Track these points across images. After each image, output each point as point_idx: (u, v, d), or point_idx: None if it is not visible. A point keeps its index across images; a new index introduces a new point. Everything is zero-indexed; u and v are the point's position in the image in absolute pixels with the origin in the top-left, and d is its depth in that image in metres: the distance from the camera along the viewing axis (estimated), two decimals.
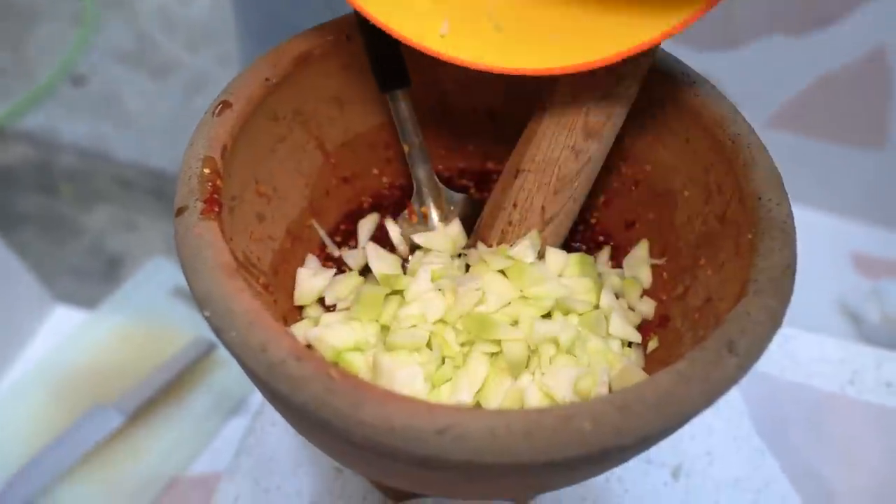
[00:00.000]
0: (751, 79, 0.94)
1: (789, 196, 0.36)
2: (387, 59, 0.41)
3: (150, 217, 1.35)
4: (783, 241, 0.33)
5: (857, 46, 0.91)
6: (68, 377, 0.83)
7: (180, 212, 0.32)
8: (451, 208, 0.45)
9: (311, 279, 0.42)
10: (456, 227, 0.44)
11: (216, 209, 0.32)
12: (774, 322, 0.30)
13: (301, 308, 0.42)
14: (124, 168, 1.41)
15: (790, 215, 0.34)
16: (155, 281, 0.93)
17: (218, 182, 0.34)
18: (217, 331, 0.29)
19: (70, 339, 0.86)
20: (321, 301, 0.43)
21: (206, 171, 0.34)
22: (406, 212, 0.45)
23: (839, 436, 0.55)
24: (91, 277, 1.26)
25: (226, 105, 0.36)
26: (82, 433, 0.76)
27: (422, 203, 0.44)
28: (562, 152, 0.39)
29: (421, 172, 0.44)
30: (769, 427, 0.54)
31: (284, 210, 0.42)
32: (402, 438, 0.26)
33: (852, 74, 0.93)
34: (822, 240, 1.05)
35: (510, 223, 0.41)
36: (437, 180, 0.45)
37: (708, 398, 0.28)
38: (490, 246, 0.42)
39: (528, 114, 0.42)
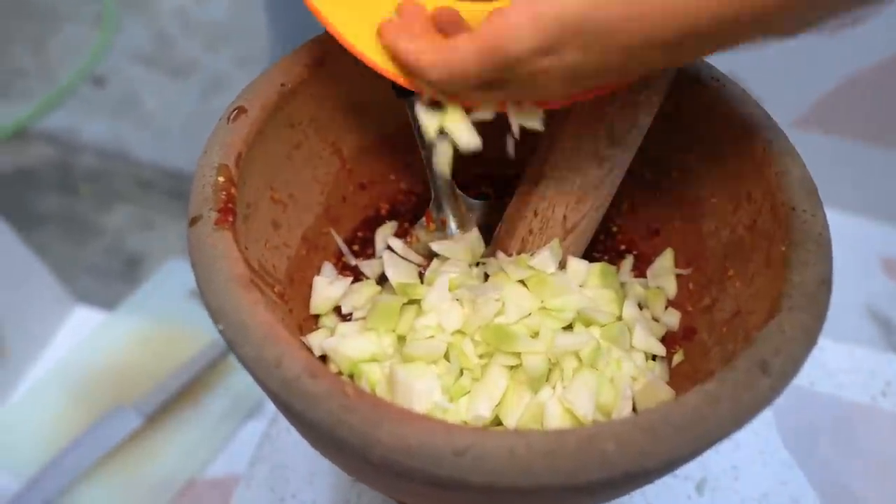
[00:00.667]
0: (779, 78, 0.92)
1: None
2: None
3: (169, 217, 1.35)
4: (818, 254, 0.31)
5: (889, 44, 0.89)
6: (87, 378, 0.83)
7: (194, 221, 0.32)
8: (470, 216, 0.44)
9: (327, 288, 0.41)
10: (474, 235, 0.43)
11: (230, 219, 0.32)
12: (810, 340, 0.29)
13: (317, 317, 0.42)
14: (143, 168, 1.42)
15: (826, 227, 0.32)
16: (173, 283, 0.93)
17: (232, 190, 0.33)
18: (231, 344, 0.28)
19: (89, 341, 0.86)
20: (337, 310, 0.42)
21: (221, 179, 0.33)
22: (424, 219, 0.44)
23: (870, 449, 0.53)
24: (110, 277, 1.26)
25: (241, 111, 0.36)
26: (101, 434, 0.76)
27: (439, 210, 0.43)
28: (585, 159, 0.38)
29: (438, 180, 0.43)
30: (798, 440, 0.52)
31: (300, 217, 0.42)
32: (420, 459, 0.25)
33: (884, 73, 0.91)
34: (850, 244, 1.02)
35: (531, 232, 0.40)
36: (456, 187, 0.44)
37: (738, 421, 0.27)
38: (510, 255, 0.41)
39: (549, 118, 0.40)
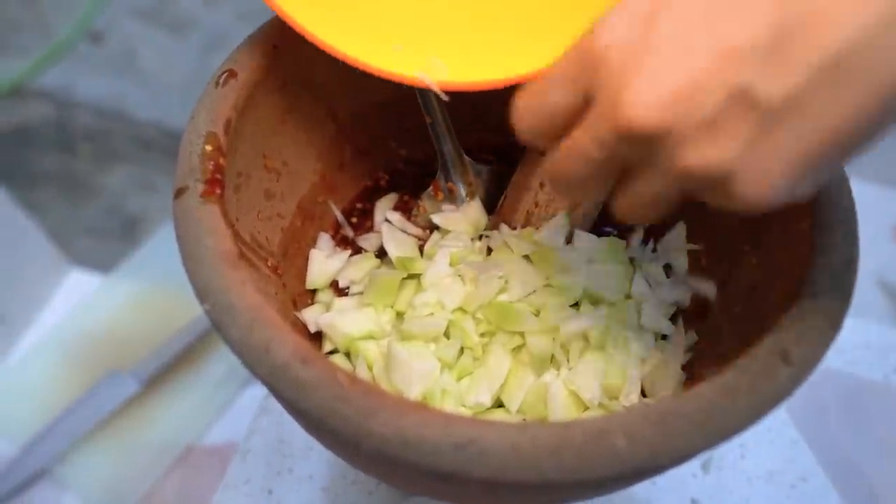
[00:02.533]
0: None
1: None
2: None
3: (168, 178, 1.32)
4: (845, 232, 0.29)
5: None
6: (84, 343, 0.82)
7: (179, 193, 0.30)
8: (479, 182, 0.42)
9: (324, 262, 0.39)
10: (476, 207, 0.41)
11: (218, 190, 0.30)
12: (834, 327, 0.27)
13: (313, 291, 0.40)
14: (142, 127, 1.39)
15: (852, 201, 0.30)
16: (172, 245, 0.90)
17: (221, 160, 0.31)
18: (217, 326, 0.27)
19: (86, 304, 0.85)
20: (334, 284, 0.40)
21: (208, 148, 0.31)
22: (431, 189, 0.42)
23: (881, 427, 0.52)
24: (108, 238, 1.24)
25: (231, 74, 0.34)
26: (98, 400, 0.75)
27: (447, 178, 0.41)
28: None
29: (445, 146, 0.41)
30: (806, 417, 0.51)
31: (295, 186, 0.40)
32: (417, 452, 0.24)
33: None
34: (860, 211, 1.00)
35: (536, 205, 0.38)
36: (463, 153, 0.42)
37: (756, 413, 0.25)
38: (514, 228, 0.39)
39: None
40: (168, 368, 0.79)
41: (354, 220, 0.43)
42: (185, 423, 0.75)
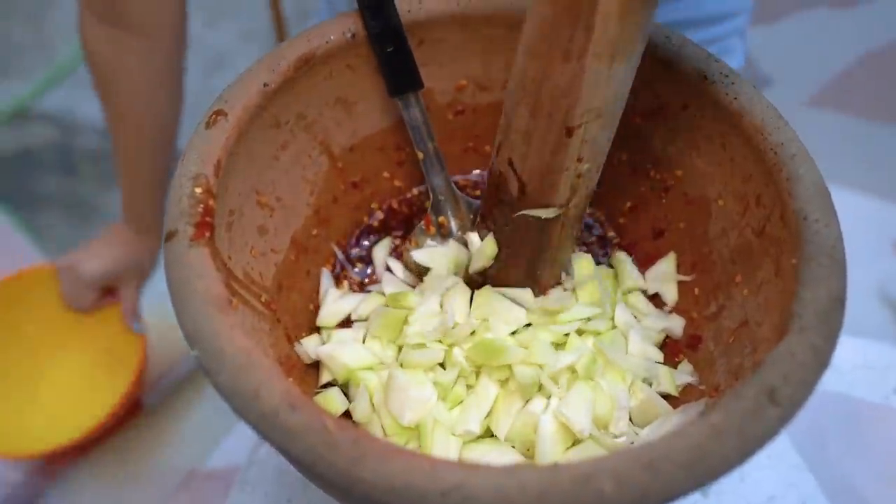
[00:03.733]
0: (794, 57, 0.89)
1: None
2: (397, 61, 0.38)
3: None
4: (832, 268, 0.29)
5: None
6: None
7: (170, 237, 0.30)
8: (471, 216, 0.42)
9: (338, 301, 0.40)
10: (455, 247, 0.41)
11: (207, 233, 0.30)
12: (821, 364, 0.27)
13: (313, 326, 0.40)
14: None
15: (840, 239, 0.30)
16: None
17: (210, 202, 0.31)
18: (206, 372, 0.27)
19: None
20: None
21: (198, 190, 0.31)
22: (423, 224, 0.42)
23: (882, 450, 0.51)
24: None
25: (219, 114, 0.34)
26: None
27: (439, 213, 0.42)
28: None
29: (436, 180, 0.41)
30: (807, 441, 0.51)
31: (289, 220, 0.40)
32: (404, 499, 0.24)
33: None
34: (861, 224, 1.00)
35: (580, 176, 0.35)
36: (455, 188, 0.42)
37: (744, 456, 0.25)
38: (559, 207, 0.36)
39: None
40: (171, 393, 0.79)
41: (359, 264, 0.43)
42: (188, 448, 0.76)
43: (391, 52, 0.38)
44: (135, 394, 0.69)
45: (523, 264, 0.39)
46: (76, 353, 0.75)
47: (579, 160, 0.34)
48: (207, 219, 0.30)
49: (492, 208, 0.38)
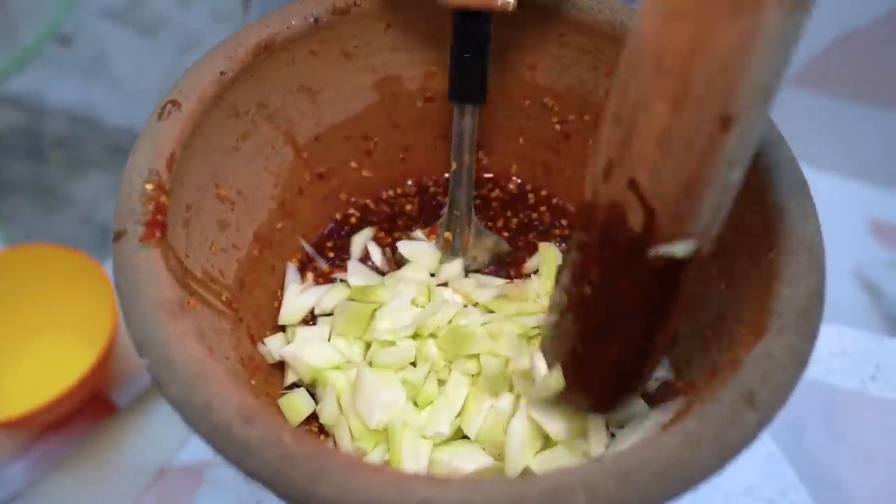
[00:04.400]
0: None
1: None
2: (470, 69, 0.36)
3: None
4: (810, 264, 0.28)
5: (883, 2, 0.85)
6: None
7: (118, 237, 0.28)
8: (479, 243, 0.41)
9: (298, 297, 0.38)
10: (435, 256, 0.40)
11: (158, 233, 0.28)
12: (800, 364, 0.26)
13: (276, 323, 0.39)
14: (115, 133, 1.37)
15: (818, 232, 0.29)
16: None
17: (163, 199, 0.29)
18: (157, 382, 0.25)
19: None
20: None
21: (149, 187, 0.29)
22: (428, 230, 0.41)
23: (859, 437, 0.51)
24: (82, 249, 1.22)
25: (173, 104, 0.32)
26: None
27: (447, 227, 0.40)
28: None
29: (459, 194, 0.40)
30: (784, 430, 0.50)
31: (251, 214, 0.38)
32: None
33: (877, 32, 0.87)
34: (838, 206, 0.99)
35: (726, 189, 0.26)
36: (474, 209, 0.40)
37: (721, 461, 0.24)
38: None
39: None
40: (143, 390, 0.77)
41: (331, 254, 0.42)
42: (159, 446, 0.74)
43: (468, 58, 0.36)
44: (105, 365, 0.68)
45: (614, 354, 0.29)
46: (47, 336, 0.74)
47: (730, 165, 0.24)
48: (159, 217, 0.29)
49: (589, 267, 0.27)
